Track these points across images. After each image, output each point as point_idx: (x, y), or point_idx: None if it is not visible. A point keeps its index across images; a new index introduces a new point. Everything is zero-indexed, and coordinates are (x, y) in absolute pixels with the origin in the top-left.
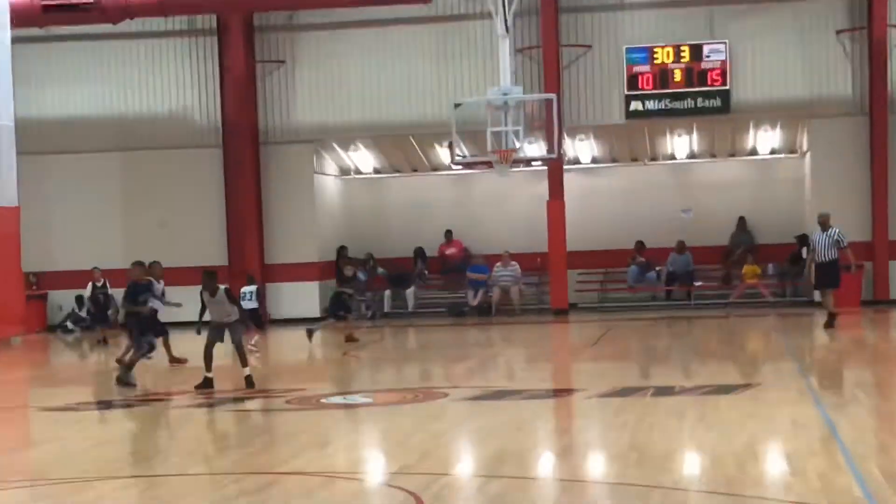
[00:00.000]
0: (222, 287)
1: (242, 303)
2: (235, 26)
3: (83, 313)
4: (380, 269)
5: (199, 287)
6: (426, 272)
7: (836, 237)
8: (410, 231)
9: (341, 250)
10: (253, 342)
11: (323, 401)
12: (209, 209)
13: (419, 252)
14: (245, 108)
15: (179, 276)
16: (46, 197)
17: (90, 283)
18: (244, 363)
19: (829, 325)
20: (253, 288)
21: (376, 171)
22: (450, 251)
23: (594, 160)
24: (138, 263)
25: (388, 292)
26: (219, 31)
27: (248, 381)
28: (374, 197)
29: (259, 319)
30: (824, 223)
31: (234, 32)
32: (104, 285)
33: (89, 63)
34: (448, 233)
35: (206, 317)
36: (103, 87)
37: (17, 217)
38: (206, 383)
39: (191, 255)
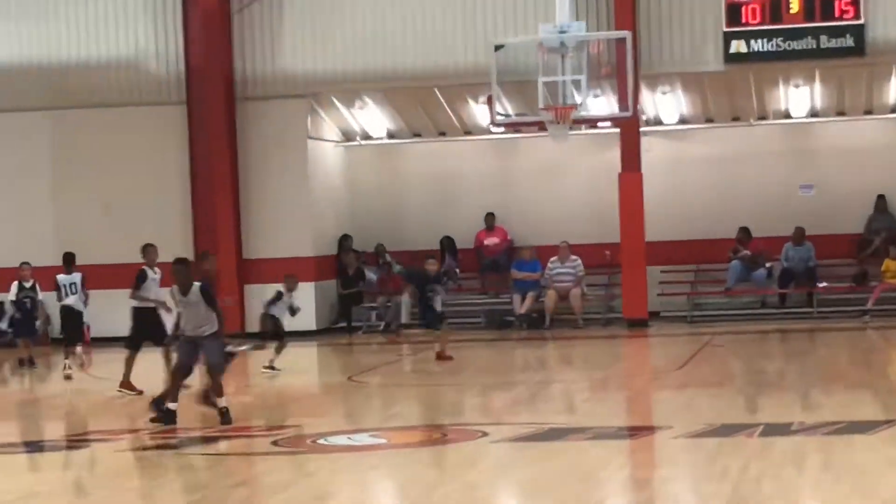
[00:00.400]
0: (196, 283)
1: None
2: None
3: (3, 324)
4: (396, 266)
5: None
6: (457, 270)
7: None
8: (435, 215)
9: (344, 241)
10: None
11: (321, 441)
12: (169, 187)
13: (447, 243)
14: (216, 52)
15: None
16: None
17: (15, 283)
18: (218, 392)
19: None
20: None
21: (390, 135)
22: (490, 241)
23: (682, 120)
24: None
25: (406, 296)
26: None
27: (224, 414)
28: (388, 170)
29: (281, 333)
30: None
31: None
32: (33, 287)
33: None
34: (489, 217)
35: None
36: (27, 24)
37: None
38: (169, 417)
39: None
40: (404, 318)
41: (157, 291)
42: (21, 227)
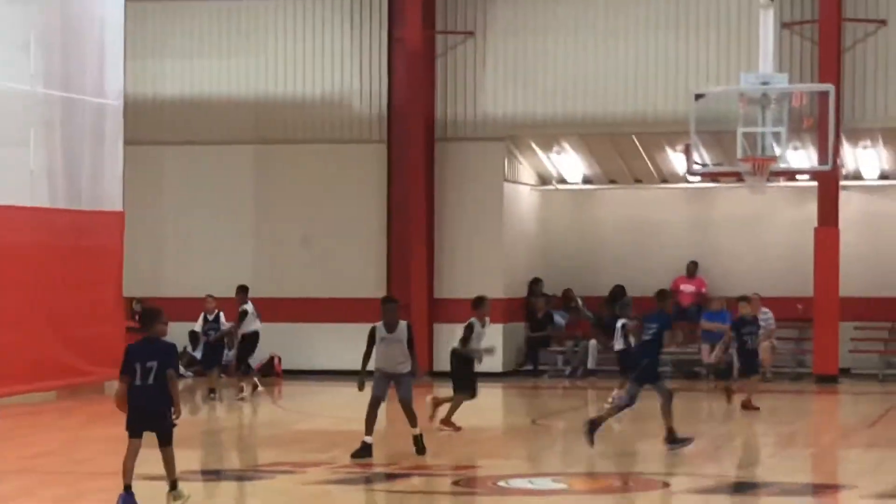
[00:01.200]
0: (403, 322)
1: None
2: None
3: (198, 353)
4: (586, 311)
5: (351, 325)
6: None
7: None
8: (627, 262)
9: (534, 284)
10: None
11: (501, 484)
12: (366, 223)
13: (618, 292)
14: (419, 93)
15: (324, 308)
16: (157, 199)
17: (202, 315)
18: (413, 423)
19: None
20: None
21: (586, 180)
22: (687, 289)
23: (882, 175)
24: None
25: (593, 342)
26: None
27: (419, 443)
28: (582, 215)
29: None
30: None
31: None
32: (216, 318)
33: (220, 30)
34: (692, 265)
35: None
36: (236, 60)
37: (121, 225)
38: (365, 450)
39: (339, 281)
40: (591, 364)
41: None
42: (218, 258)
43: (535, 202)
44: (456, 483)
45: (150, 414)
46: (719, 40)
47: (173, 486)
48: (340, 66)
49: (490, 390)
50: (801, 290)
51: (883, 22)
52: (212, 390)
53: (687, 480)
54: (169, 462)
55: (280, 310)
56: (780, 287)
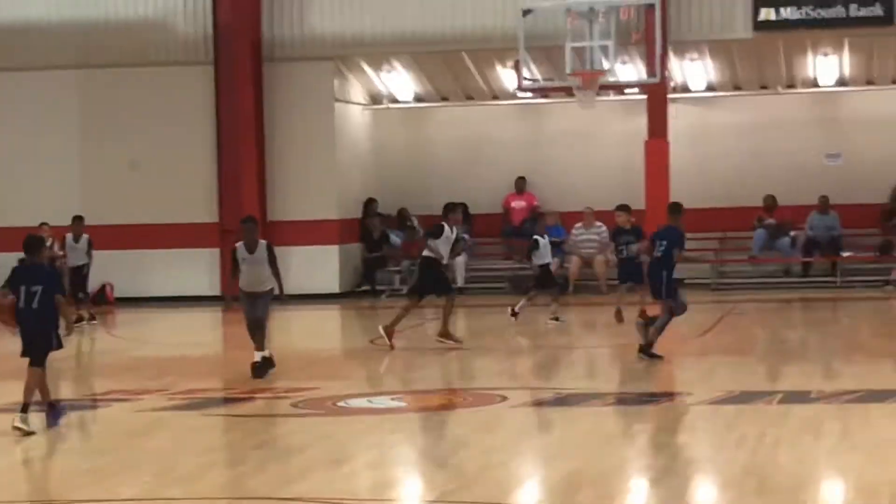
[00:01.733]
0: (263, 242)
1: None
2: None
3: None
4: (421, 231)
5: (182, 250)
6: (466, 238)
7: None
8: (461, 179)
9: (369, 204)
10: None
11: (340, 404)
12: (195, 146)
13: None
14: (244, 13)
15: (155, 234)
16: None
17: None
18: (260, 345)
19: None
20: None
21: (417, 98)
22: (518, 205)
23: (710, 87)
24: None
25: None
26: None
27: (258, 368)
28: (415, 134)
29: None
30: None
31: None
32: (51, 246)
33: None
34: (520, 181)
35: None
36: None
37: None
38: (262, 367)
39: (170, 207)
40: None
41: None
42: (46, 185)
43: (366, 122)
44: (295, 405)
45: (34, 336)
46: None
47: (24, 408)
48: None
49: (328, 311)
50: (633, 202)
51: None
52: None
53: (524, 394)
54: (31, 385)
55: (110, 237)
56: (612, 200)
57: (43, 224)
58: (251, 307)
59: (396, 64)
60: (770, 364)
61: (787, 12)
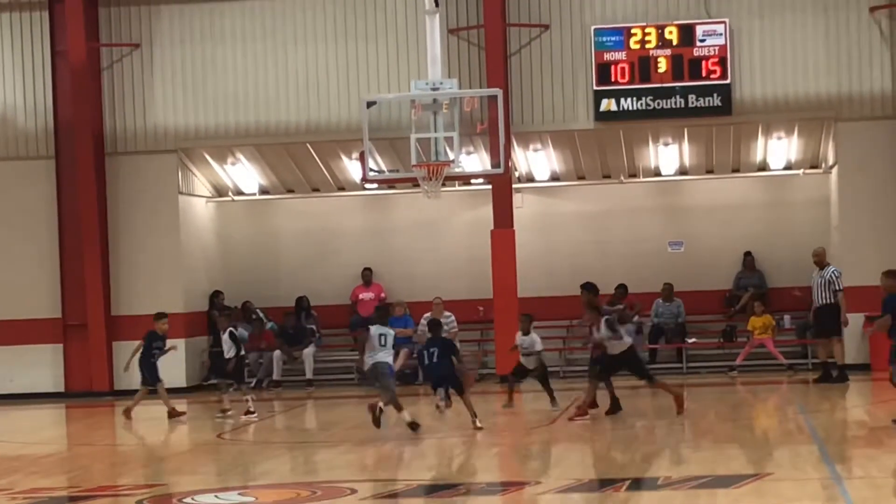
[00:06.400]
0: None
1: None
2: None
3: None
4: (269, 323)
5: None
6: (315, 329)
7: (829, 277)
8: (309, 271)
9: (215, 297)
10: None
11: (187, 500)
12: (37, 242)
13: (302, 302)
14: (85, 107)
15: None
16: None
17: None
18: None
19: (823, 379)
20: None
21: (263, 190)
22: (366, 296)
23: (553, 177)
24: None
25: (277, 352)
26: (51, 4)
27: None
28: (260, 226)
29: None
30: (819, 261)
31: (72, 5)
32: None
33: None
34: (366, 272)
35: None
36: None
37: None
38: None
39: (12, 302)
40: (276, 374)
41: None
42: None
43: (211, 214)
44: (139, 502)
45: None
46: (388, 47)
47: None
48: (2, 82)
49: (176, 405)
50: (481, 292)
51: (546, 26)
52: None
53: (375, 486)
54: None
55: None
56: (461, 290)
57: None
58: None
59: (240, 156)
60: (618, 451)
61: (628, 103)
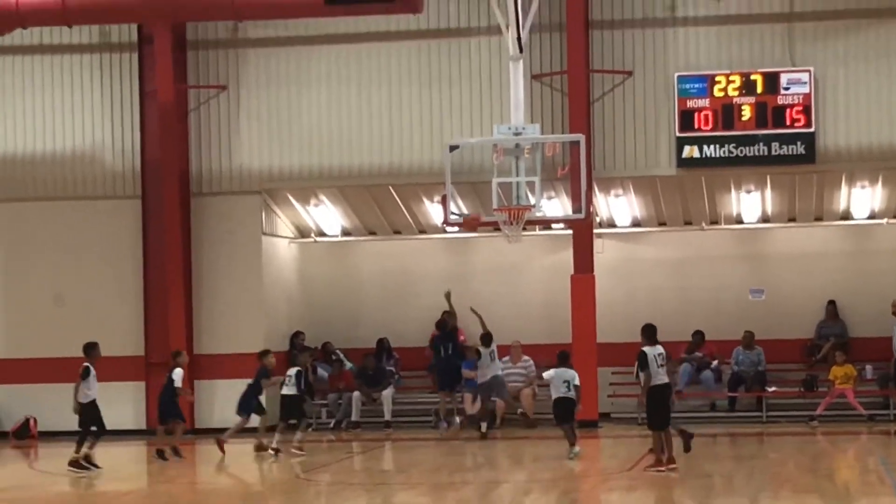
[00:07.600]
0: None
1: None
2: (162, 39)
3: None
4: (348, 364)
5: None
6: (394, 370)
7: None
8: (388, 313)
9: (296, 337)
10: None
11: None
12: (122, 280)
13: (383, 344)
14: (172, 147)
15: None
16: None
17: None
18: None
19: None
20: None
21: (345, 232)
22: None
23: (635, 223)
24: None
25: (356, 393)
26: (140, 46)
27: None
28: (342, 267)
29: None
30: None
31: (161, 47)
32: None
33: None
34: (446, 317)
35: None
36: None
37: None
38: None
39: (95, 340)
40: (355, 416)
41: None
42: None
43: (294, 255)
44: None
45: None
46: (472, 92)
47: None
48: (92, 122)
49: (252, 446)
50: (559, 336)
51: (629, 73)
52: None
53: None
54: None
55: (34, 370)
56: (539, 334)
57: None
58: None
59: (323, 198)
60: (698, 499)
61: (711, 150)
